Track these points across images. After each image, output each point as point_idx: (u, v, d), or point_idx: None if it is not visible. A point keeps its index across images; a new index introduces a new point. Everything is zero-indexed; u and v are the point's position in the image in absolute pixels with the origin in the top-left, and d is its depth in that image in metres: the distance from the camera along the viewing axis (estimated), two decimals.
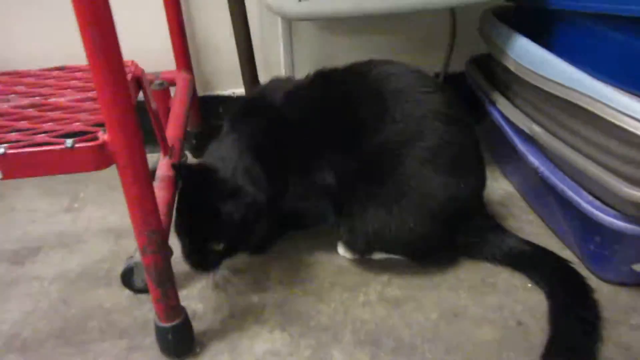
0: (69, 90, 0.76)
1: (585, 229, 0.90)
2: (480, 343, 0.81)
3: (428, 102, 0.87)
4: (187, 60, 1.26)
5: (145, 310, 0.88)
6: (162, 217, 0.74)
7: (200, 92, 1.36)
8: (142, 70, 0.84)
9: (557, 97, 0.89)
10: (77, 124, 0.66)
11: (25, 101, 0.71)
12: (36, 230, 1.09)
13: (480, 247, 0.94)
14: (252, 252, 0.99)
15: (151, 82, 1.16)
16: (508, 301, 0.88)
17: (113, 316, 0.88)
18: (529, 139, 1.01)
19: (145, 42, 1.22)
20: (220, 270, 0.85)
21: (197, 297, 0.90)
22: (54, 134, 0.64)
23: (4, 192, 1.22)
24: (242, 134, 0.90)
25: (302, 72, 0.99)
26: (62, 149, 0.61)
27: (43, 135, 0.63)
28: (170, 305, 0.74)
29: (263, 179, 0.86)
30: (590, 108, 0.81)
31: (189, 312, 0.80)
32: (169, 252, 0.74)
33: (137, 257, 0.86)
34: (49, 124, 0.66)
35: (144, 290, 0.89)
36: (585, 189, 0.88)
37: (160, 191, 0.84)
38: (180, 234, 0.82)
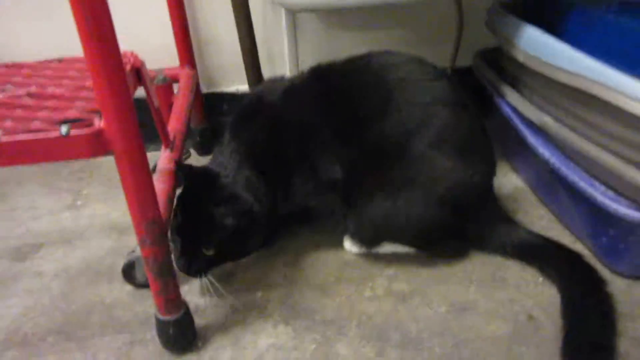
0: (66, 80, 0.75)
1: (598, 222, 0.87)
2: (490, 337, 0.78)
3: (432, 89, 0.86)
4: (191, 56, 1.25)
5: (146, 305, 0.86)
6: (162, 209, 0.73)
7: (204, 89, 1.35)
8: (142, 62, 0.83)
9: (568, 86, 0.86)
10: (73, 111, 0.64)
11: (21, 91, 0.70)
12: (38, 226, 1.08)
13: (489, 238, 0.91)
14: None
15: (154, 78, 1.15)
16: (519, 295, 0.85)
17: (114, 311, 0.86)
18: (539, 130, 0.98)
19: (147, 39, 1.22)
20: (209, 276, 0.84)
21: (199, 292, 0.89)
22: (49, 121, 0.62)
23: (7, 189, 1.21)
24: (241, 143, 0.90)
25: (306, 67, 0.97)
26: (57, 136, 0.59)
27: (38, 122, 0.62)
28: (170, 298, 0.72)
29: (262, 191, 0.87)
30: (603, 96, 0.79)
31: (191, 307, 0.79)
32: (168, 244, 0.72)
33: (138, 251, 0.85)
34: (45, 111, 0.65)
35: (145, 285, 0.87)
36: (598, 180, 0.85)
37: (160, 183, 0.83)
38: (173, 234, 0.82)
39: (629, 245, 0.84)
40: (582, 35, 0.92)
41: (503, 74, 1.14)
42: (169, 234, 0.79)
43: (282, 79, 0.98)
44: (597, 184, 0.85)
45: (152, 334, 0.79)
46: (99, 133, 0.60)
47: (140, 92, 0.79)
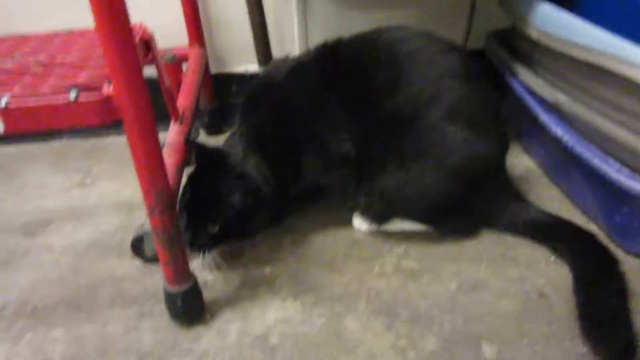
0: (75, 50, 0.75)
1: (612, 200, 0.86)
2: (501, 314, 0.78)
3: (444, 62, 0.85)
4: (200, 35, 1.24)
5: (155, 279, 0.86)
6: (171, 181, 0.72)
7: (213, 70, 1.34)
8: (151, 35, 0.82)
9: (582, 62, 0.85)
10: (82, 78, 0.64)
11: (30, 59, 0.69)
12: (47, 203, 1.08)
13: (501, 216, 0.90)
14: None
15: (163, 56, 1.14)
16: (530, 274, 0.84)
17: (123, 285, 0.86)
18: (552, 109, 0.97)
19: (157, 18, 1.20)
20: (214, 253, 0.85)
21: (208, 267, 0.88)
22: (58, 87, 0.62)
23: (17, 167, 1.21)
24: (250, 126, 0.90)
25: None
26: (65, 102, 0.59)
27: (47, 88, 0.61)
28: (179, 270, 0.72)
29: (270, 173, 0.87)
30: (618, 69, 0.77)
31: (200, 282, 0.78)
32: (177, 214, 0.72)
33: (148, 226, 0.84)
34: (53, 78, 0.65)
35: (154, 259, 0.87)
36: (612, 157, 0.84)
37: (170, 155, 0.82)
38: (181, 210, 0.82)
39: None
40: (594, 6, 0.90)
41: (516, 53, 1.12)
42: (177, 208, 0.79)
43: (287, 58, 0.97)
44: (611, 160, 0.83)
45: (161, 307, 0.79)
46: (108, 99, 0.60)
47: (148, 72, 0.78)
